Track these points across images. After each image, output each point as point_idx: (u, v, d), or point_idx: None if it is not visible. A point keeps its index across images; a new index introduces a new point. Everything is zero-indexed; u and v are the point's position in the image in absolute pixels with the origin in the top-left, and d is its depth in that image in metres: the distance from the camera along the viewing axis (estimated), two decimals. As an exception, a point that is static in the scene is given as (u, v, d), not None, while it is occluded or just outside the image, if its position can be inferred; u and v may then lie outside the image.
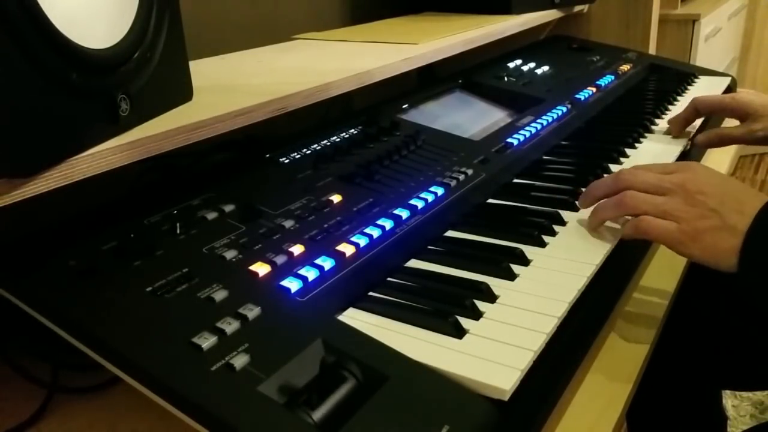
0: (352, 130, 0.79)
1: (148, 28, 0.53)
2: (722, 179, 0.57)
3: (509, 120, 0.93)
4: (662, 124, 0.99)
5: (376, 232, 0.58)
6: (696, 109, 0.89)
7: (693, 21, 1.89)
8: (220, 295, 0.47)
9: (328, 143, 0.74)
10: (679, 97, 1.13)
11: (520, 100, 1.00)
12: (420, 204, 0.64)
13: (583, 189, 0.73)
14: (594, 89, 1.09)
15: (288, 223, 0.57)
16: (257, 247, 0.53)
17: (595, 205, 0.63)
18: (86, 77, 0.45)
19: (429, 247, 0.61)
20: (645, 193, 0.58)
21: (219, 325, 0.44)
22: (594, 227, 0.62)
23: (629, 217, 0.59)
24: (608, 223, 0.62)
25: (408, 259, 0.59)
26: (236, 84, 0.72)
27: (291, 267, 0.52)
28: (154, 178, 0.68)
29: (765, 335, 0.74)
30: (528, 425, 0.45)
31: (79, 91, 0.45)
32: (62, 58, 0.43)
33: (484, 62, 1.16)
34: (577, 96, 1.04)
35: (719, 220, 0.53)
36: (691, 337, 0.79)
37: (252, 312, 0.45)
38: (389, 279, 0.56)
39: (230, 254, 0.52)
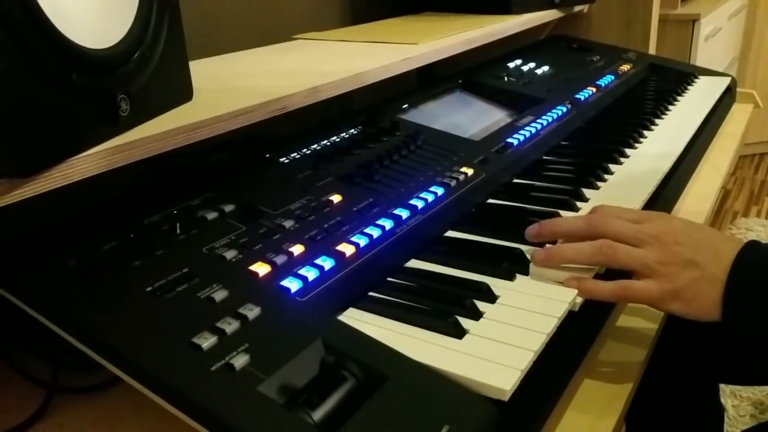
0: (352, 130, 0.79)
1: (148, 28, 0.53)
2: (697, 228, 0.56)
3: (509, 120, 0.93)
4: (662, 124, 0.99)
5: (376, 232, 0.58)
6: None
7: (693, 21, 1.89)
8: (220, 295, 0.47)
9: (328, 143, 0.74)
10: (679, 97, 1.13)
11: (520, 100, 1.00)
12: (420, 204, 0.64)
13: (584, 189, 0.73)
14: (594, 89, 1.09)
15: (288, 223, 0.57)
16: (257, 247, 0.53)
17: (562, 244, 0.58)
18: (86, 77, 0.45)
19: (429, 247, 0.61)
20: (622, 244, 0.55)
21: (219, 325, 0.44)
22: (552, 265, 0.56)
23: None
24: None
25: (408, 259, 0.59)
26: (236, 84, 0.72)
27: (291, 267, 0.52)
28: (154, 178, 0.68)
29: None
30: (528, 425, 0.45)
31: (79, 91, 0.45)
32: (62, 58, 0.43)
33: (484, 62, 1.16)
34: (577, 96, 1.04)
35: (698, 271, 0.52)
36: (691, 331, 0.79)
37: (252, 312, 0.45)
38: (389, 279, 0.56)
39: (230, 254, 0.52)
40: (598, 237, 0.56)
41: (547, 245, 0.59)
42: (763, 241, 0.54)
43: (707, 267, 0.52)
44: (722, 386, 1.36)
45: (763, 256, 0.52)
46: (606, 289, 0.54)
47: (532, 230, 0.60)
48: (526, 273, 0.56)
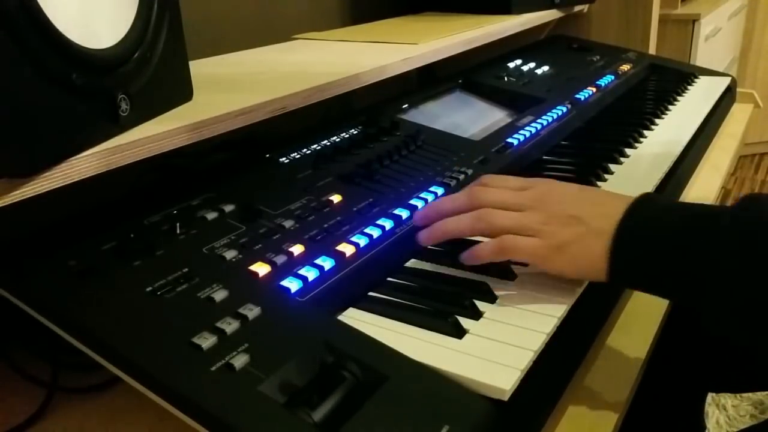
0: (352, 130, 0.79)
1: (148, 28, 0.53)
2: (580, 188, 0.55)
3: (509, 120, 0.93)
4: (662, 124, 0.99)
5: (376, 232, 0.58)
6: None
7: (693, 21, 1.89)
8: (220, 295, 0.47)
9: (328, 143, 0.74)
10: (679, 97, 1.13)
11: (520, 100, 1.00)
12: (420, 204, 0.64)
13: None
14: (594, 89, 1.09)
15: (288, 223, 0.57)
16: (257, 247, 0.53)
17: (446, 218, 0.56)
18: (86, 77, 0.45)
19: (429, 247, 0.61)
20: (502, 210, 0.54)
21: (219, 325, 0.44)
22: (436, 240, 0.56)
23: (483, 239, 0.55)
24: None
25: (408, 259, 0.59)
26: (236, 84, 0.72)
27: (291, 267, 0.51)
28: (154, 178, 0.68)
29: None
30: (528, 425, 0.45)
31: (79, 91, 0.45)
32: (62, 58, 0.43)
33: (484, 62, 1.16)
34: (577, 96, 1.04)
35: (583, 226, 0.50)
36: (688, 338, 0.79)
37: (252, 312, 0.45)
38: (389, 279, 0.56)
39: (230, 254, 0.52)
40: (480, 207, 0.54)
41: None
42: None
43: (593, 221, 0.50)
44: (722, 386, 1.36)
45: (653, 208, 0.50)
46: (487, 248, 0.53)
47: (418, 215, 0.58)
48: (526, 273, 0.56)
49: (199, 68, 0.76)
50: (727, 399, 1.51)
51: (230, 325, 0.44)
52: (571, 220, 0.51)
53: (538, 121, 0.91)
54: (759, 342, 0.45)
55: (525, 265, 0.56)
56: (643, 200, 0.51)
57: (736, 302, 0.44)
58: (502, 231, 0.53)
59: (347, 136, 0.77)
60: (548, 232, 0.51)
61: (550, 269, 0.52)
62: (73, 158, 0.45)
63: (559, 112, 0.96)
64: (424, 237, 0.56)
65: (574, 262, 0.50)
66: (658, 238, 0.48)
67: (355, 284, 0.53)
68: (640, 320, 0.60)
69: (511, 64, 1.15)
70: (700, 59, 1.92)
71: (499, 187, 0.56)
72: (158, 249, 0.51)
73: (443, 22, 1.15)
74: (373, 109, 0.86)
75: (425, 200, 0.64)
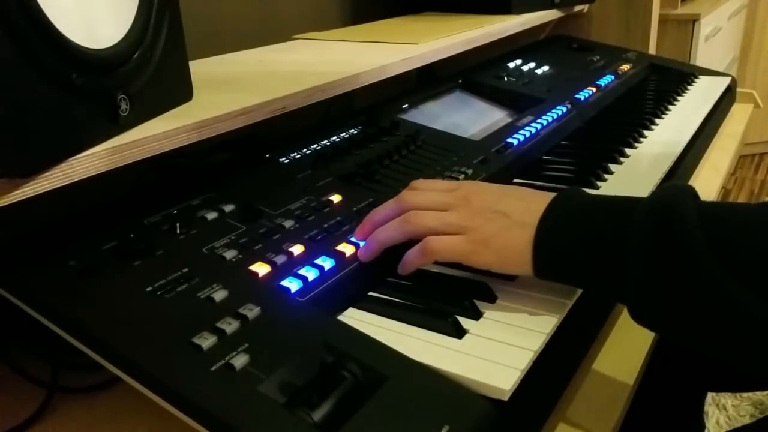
0: (352, 130, 0.79)
1: (148, 28, 0.53)
2: (507, 187, 0.56)
3: (509, 120, 0.93)
4: (662, 123, 0.99)
5: (376, 232, 0.58)
6: None
7: (693, 21, 1.89)
8: (220, 295, 0.47)
9: (328, 143, 0.74)
10: (679, 97, 1.13)
11: (520, 100, 1.01)
12: (420, 204, 0.64)
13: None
14: (594, 89, 1.09)
15: (288, 223, 0.57)
16: (257, 247, 0.53)
17: (378, 229, 0.56)
18: (86, 77, 0.45)
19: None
20: (428, 211, 0.54)
21: (219, 325, 0.44)
22: (373, 253, 0.55)
23: None
24: None
25: (408, 259, 0.59)
26: (236, 84, 0.72)
27: (291, 267, 0.52)
28: (154, 178, 0.68)
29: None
30: (528, 425, 0.45)
31: (79, 91, 0.45)
32: (62, 58, 0.43)
33: (484, 62, 1.16)
34: (577, 96, 1.04)
35: (507, 219, 0.51)
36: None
37: (252, 312, 0.45)
38: (389, 279, 0.56)
39: (230, 254, 0.52)
40: (407, 211, 0.55)
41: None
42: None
43: (517, 215, 0.51)
44: (722, 386, 1.36)
45: (575, 201, 0.50)
46: (413, 254, 0.53)
47: (357, 231, 0.57)
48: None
49: (199, 68, 0.76)
50: (727, 399, 1.51)
51: (230, 325, 0.44)
52: (496, 215, 0.51)
53: (538, 121, 0.91)
54: (680, 331, 0.44)
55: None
56: (565, 194, 0.51)
57: (652, 291, 0.43)
58: (429, 231, 0.53)
59: (347, 136, 0.77)
60: (473, 227, 0.51)
61: (477, 263, 0.52)
62: (73, 158, 0.45)
63: (559, 112, 0.96)
64: (362, 253, 0.55)
65: (499, 254, 0.50)
66: (577, 230, 0.48)
67: (355, 284, 0.53)
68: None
69: (511, 64, 1.15)
70: (700, 59, 1.92)
71: (426, 190, 0.57)
72: (158, 249, 0.51)
73: (443, 22, 1.15)
74: (373, 109, 0.86)
75: (425, 200, 0.64)
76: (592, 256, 0.47)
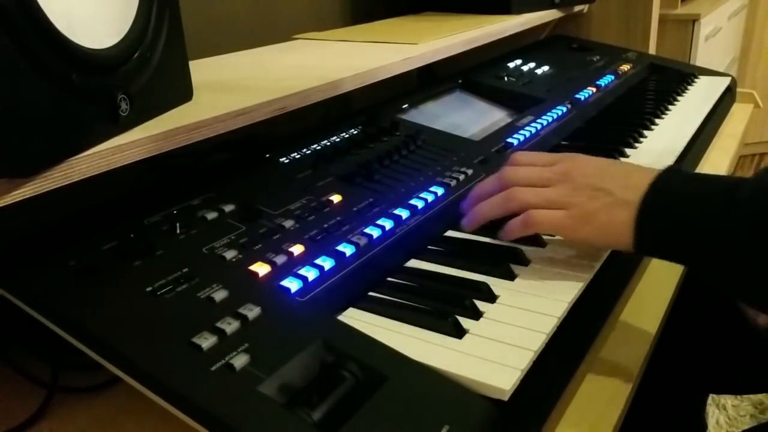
0: (352, 130, 0.79)
1: (148, 28, 0.53)
2: (607, 162, 0.57)
3: (509, 120, 0.93)
4: (662, 123, 0.99)
5: (376, 232, 0.58)
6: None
7: (693, 21, 1.89)
8: (220, 295, 0.47)
9: (328, 143, 0.74)
10: (679, 97, 1.13)
11: (520, 100, 1.00)
12: (420, 204, 0.64)
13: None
14: (594, 89, 1.09)
15: (288, 223, 0.57)
16: (257, 247, 0.53)
17: (481, 202, 0.59)
18: (86, 77, 0.45)
19: (429, 247, 0.61)
20: (530, 187, 0.56)
21: (219, 325, 0.44)
22: (475, 225, 0.59)
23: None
24: None
25: (408, 259, 0.59)
26: (236, 84, 0.72)
27: (291, 267, 0.52)
28: (154, 178, 0.68)
29: (756, 340, 0.74)
30: (528, 425, 0.45)
31: (79, 91, 0.45)
32: (62, 58, 0.43)
33: (484, 62, 1.16)
34: (577, 96, 1.04)
35: (610, 197, 0.52)
36: (688, 340, 0.79)
37: (252, 312, 0.45)
38: (389, 279, 0.56)
39: (230, 254, 0.52)
40: (509, 187, 0.57)
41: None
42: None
43: (619, 192, 0.52)
44: (722, 386, 1.36)
45: (678, 179, 0.52)
46: (515, 224, 0.55)
47: (464, 203, 0.61)
48: (526, 273, 0.56)
49: (199, 68, 0.76)
50: (727, 399, 1.51)
51: (230, 325, 0.44)
52: (598, 192, 0.53)
53: (538, 121, 0.91)
54: None
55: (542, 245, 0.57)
56: (667, 172, 0.52)
57: (753, 272, 0.45)
58: (531, 207, 0.55)
59: (347, 136, 0.77)
60: (575, 203, 0.53)
61: (577, 238, 0.54)
62: (73, 158, 0.45)
63: (559, 112, 0.96)
64: (465, 223, 0.59)
65: (600, 231, 0.52)
66: (680, 210, 0.49)
67: (355, 284, 0.53)
68: (640, 320, 0.60)
69: (511, 64, 1.15)
70: (700, 59, 1.92)
71: (527, 164, 0.58)
72: (158, 249, 0.51)
73: (443, 22, 1.15)
74: (373, 109, 0.86)
75: (425, 200, 0.64)
76: (696, 234, 0.48)
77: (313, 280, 0.51)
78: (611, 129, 0.96)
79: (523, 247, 0.59)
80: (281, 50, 0.96)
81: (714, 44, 2.13)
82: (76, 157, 0.46)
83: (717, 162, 0.98)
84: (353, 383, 0.41)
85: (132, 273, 0.48)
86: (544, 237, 0.61)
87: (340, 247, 0.55)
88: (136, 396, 0.42)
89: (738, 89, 1.26)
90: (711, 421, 1.44)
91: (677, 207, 0.49)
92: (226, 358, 0.41)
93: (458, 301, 0.50)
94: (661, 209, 0.50)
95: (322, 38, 1.04)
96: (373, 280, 0.55)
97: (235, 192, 0.61)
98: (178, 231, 0.53)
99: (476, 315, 0.49)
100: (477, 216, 0.58)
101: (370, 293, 0.53)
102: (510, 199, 0.56)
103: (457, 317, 0.48)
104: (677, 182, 0.51)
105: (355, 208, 0.61)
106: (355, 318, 0.50)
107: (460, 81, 1.04)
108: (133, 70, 0.51)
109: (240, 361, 0.41)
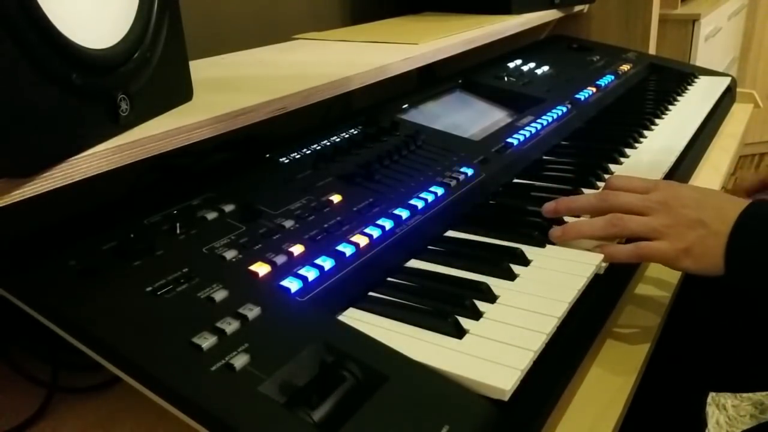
0: (352, 130, 0.79)
1: (148, 28, 0.53)
2: (702, 192, 0.60)
3: (509, 120, 0.93)
4: (662, 124, 0.99)
5: (376, 232, 0.58)
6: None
7: (693, 21, 1.89)
8: (220, 295, 0.47)
9: (328, 143, 0.74)
10: (679, 97, 1.13)
11: (520, 100, 1.00)
12: (420, 204, 0.64)
13: (584, 189, 0.73)
14: (594, 89, 1.09)
15: (288, 223, 0.57)
16: (257, 247, 0.53)
17: (578, 219, 0.63)
18: (86, 77, 0.45)
19: (429, 247, 0.61)
20: (631, 215, 0.59)
21: (219, 325, 0.44)
22: (569, 239, 0.61)
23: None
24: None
25: (408, 259, 0.59)
26: (236, 84, 0.72)
27: (291, 267, 0.51)
28: (154, 178, 0.68)
29: (760, 337, 0.74)
30: (528, 425, 0.45)
31: (79, 92, 0.45)
32: (62, 58, 0.43)
33: (484, 62, 1.16)
34: (577, 96, 1.04)
35: (704, 229, 0.55)
36: (688, 338, 0.79)
37: (252, 312, 0.45)
38: (389, 279, 0.56)
39: (230, 254, 0.52)
40: (609, 211, 0.60)
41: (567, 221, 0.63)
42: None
43: (712, 224, 0.55)
44: (722, 386, 1.36)
45: (765, 212, 0.55)
46: (625, 251, 0.58)
47: (549, 206, 0.64)
48: (526, 273, 0.56)
49: (199, 68, 0.76)
50: (727, 399, 1.51)
51: (230, 325, 0.44)
52: (695, 224, 0.56)
53: (538, 121, 0.91)
54: None
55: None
56: (755, 205, 0.56)
57: None
58: (632, 234, 0.59)
59: (347, 136, 0.77)
60: (675, 235, 0.56)
61: (677, 268, 0.58)
62: (73, 158, 0.45)
63: (559, 112, 0.96)
64: (558, 234, 0.61)
65: (697, 262, 0.56)
66: (766, 239, 0.53)
67: (355, 284, 0.53)
68: (640, 320, 0.60)
69: (511, 64, 1.15)
70: (700, 59, 1.92)
71: (626, 190, 0.62)
72: (158, 249, 0.51)
73: (443, 22, 1.15)
74: (373, 109, 0.86)
75: (425, 200, 0.64)
76: None
77: (313, 280, 0.51)
78: (611, 129, 0.96)
79: (523, 247, 0.59)
80: (281, 50, 0.96)
81: (714, 44, 2.13)
82: (76, 157, 0.46)
83: (717, 162, 0.98)
84: (353, 383, 0.41)
85: (132, 273, 0.48)
86: (544, 238, 0.61)
87: (340, 247, 0.55)
88: (136, 396, 0.42)
89: (738, 89, 1.26)
90: (711, 421, 1.44)
91: (763, 236, 0.53)
92: (226, 358, 0.41)
93: (458, 302, 0.50)
94: (748, 240, 0.53)
95: (322, 38, 1.04)
96: (373, 280, 0.55)
97: (235, 192, 0.61)
98: (178, 231, 0.53)
99: (476, 315, 0.49)
100: (574, 233, 0.61)
101: (370, 293, 0.53)
102: (614, 225, 0.59)
103: (458, 317, 0.48)
104: (764, 213, 0.54)
105: (355, 208, 0.61)
106: (355, 318, 0.50)
107: (460, 81, 1.04)
108: (133, 71, 0.51)
109: (240, 361, 0.41)
